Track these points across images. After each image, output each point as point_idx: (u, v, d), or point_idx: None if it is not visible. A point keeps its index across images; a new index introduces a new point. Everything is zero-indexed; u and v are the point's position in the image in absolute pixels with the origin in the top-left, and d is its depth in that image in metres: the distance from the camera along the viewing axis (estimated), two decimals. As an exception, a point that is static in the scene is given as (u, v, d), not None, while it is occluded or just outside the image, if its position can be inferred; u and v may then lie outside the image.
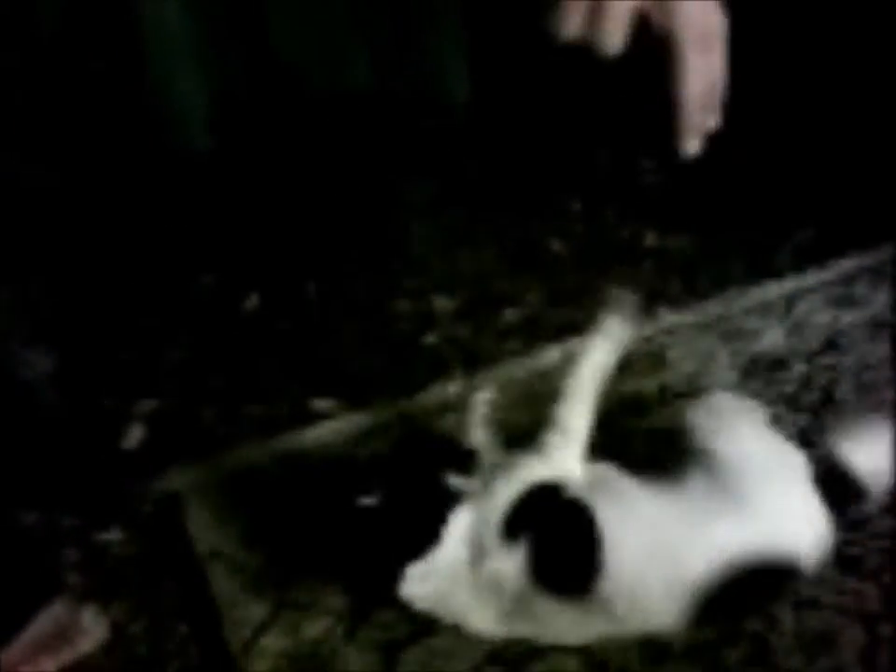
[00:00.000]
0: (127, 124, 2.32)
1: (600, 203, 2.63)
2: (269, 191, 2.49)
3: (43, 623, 1.52)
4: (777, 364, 1.91)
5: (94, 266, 2.29)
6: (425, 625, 1.43)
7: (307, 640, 1.49)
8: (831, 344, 1.93)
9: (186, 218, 2.38)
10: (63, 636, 1.52)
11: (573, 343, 2.05)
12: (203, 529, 1.70)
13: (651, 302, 2.19)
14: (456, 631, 1.40)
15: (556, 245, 2.46)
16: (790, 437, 1.66)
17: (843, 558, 1.47)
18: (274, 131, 2.44)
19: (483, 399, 1.54)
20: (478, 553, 1.29)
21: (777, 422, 1.75)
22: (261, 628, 1.51)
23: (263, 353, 2.10)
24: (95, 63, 2.23)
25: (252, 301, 2.25)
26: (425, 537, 1.31)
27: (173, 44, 2.23)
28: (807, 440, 1.70)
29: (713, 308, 2.09)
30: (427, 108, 2.54)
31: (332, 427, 1.88)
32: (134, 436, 1.93)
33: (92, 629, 1.54)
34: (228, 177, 2.40)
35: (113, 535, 1.71)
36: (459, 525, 1.30)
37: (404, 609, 1.39)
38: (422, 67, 2.49)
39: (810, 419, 1.76)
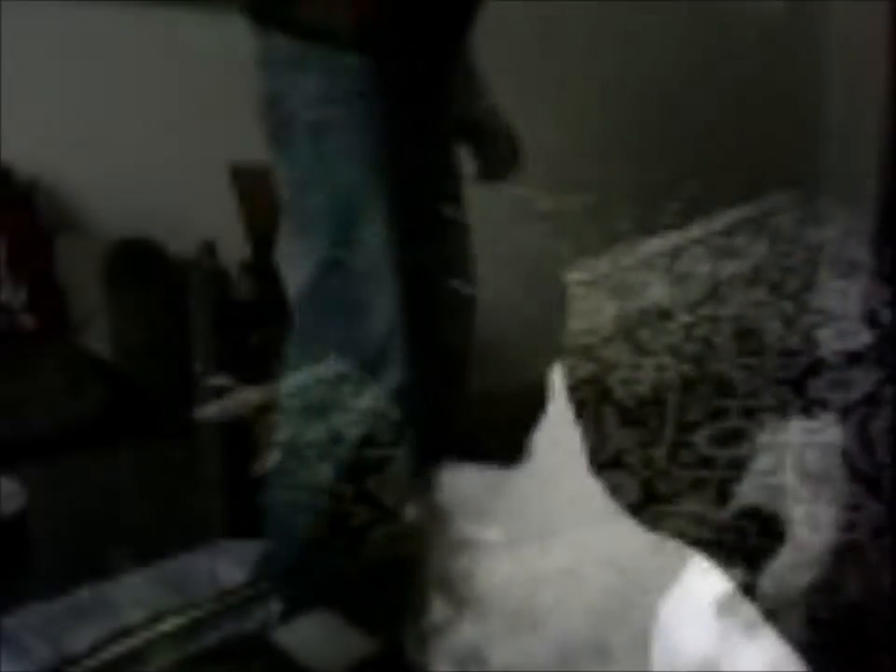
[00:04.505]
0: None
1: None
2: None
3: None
4: (662, 315, 1.96)
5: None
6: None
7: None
8: (712, 295, 2.00)
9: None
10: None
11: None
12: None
13: (544, 263, 2.24)
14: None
15: (450, 210, 2.49)
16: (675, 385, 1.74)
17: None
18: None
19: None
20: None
21: (663, 371, 1.82)
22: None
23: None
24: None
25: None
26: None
27: None
28: (692, 387, 1.77)
29: (601, 265, 2.14)
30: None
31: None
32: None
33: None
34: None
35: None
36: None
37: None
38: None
39: (695, 365, 1.82)
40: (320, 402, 1.67)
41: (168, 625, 1.21)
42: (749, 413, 1.69)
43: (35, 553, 1.52)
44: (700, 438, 1.66)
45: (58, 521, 1.61)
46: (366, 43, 1.58)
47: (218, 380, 1.94)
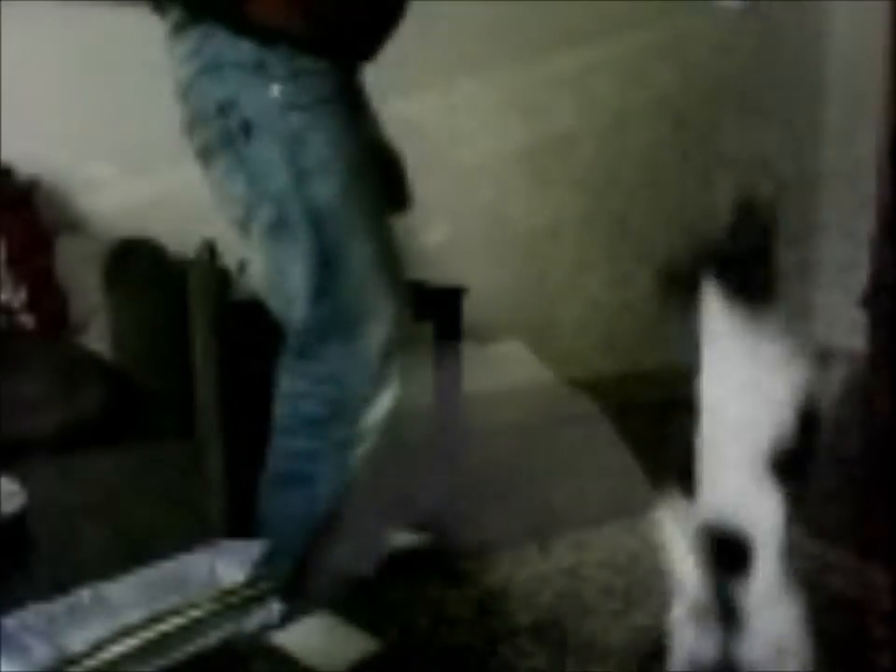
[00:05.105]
0: None
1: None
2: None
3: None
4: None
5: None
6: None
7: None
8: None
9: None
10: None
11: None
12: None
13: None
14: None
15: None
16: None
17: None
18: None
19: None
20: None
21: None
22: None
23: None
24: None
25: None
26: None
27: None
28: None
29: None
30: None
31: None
32: None
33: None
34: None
35: None
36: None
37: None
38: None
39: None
40: (315, 417, 1.66)
41: (168, 625, 1.22)
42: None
43: (35, 553, 1.52)
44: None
45: (58, 521, 1.61)
46: (321, 45, 1.54)
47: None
